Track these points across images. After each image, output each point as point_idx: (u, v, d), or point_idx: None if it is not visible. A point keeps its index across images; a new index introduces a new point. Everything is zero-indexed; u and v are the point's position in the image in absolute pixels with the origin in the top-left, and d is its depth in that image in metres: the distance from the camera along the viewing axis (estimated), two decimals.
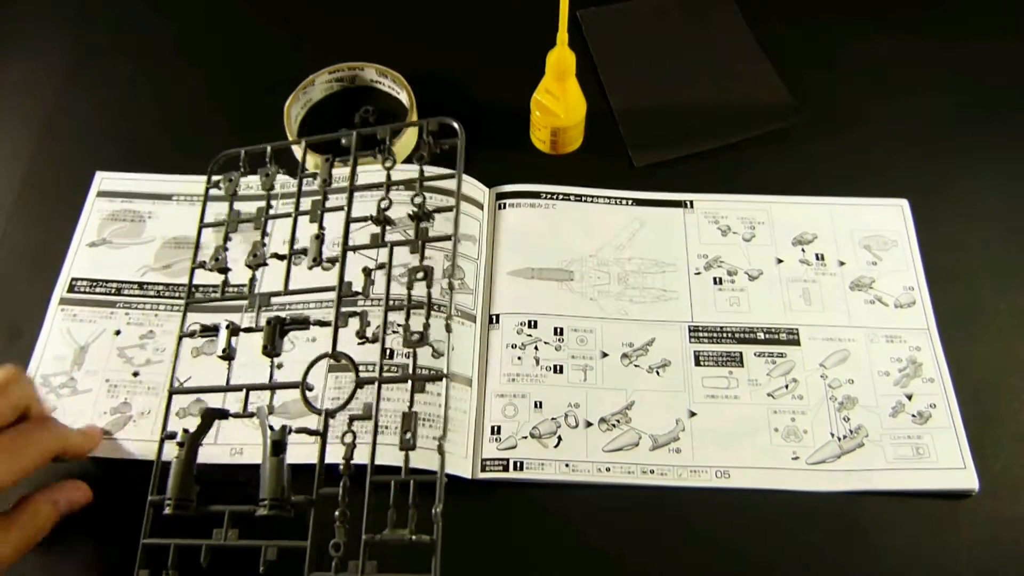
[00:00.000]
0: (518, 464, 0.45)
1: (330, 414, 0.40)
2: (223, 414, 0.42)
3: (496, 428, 0.46)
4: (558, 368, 0.48)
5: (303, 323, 0.43)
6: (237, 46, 0.63)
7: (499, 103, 0.58)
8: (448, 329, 0.41)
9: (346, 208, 0.44)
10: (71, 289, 0.51)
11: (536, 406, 0.46)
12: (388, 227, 0.44)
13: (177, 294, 0.50)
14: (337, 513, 0.37)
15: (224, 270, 0.46)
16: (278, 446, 0.39)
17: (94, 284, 0.51)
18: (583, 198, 0.54)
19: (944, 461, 0.45)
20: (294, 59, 0.59)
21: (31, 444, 0.39)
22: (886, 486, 0.44)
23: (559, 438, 0.45)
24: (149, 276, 0.51)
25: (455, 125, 0.44)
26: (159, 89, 0.60)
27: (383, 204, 0.43)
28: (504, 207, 0.53)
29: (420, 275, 0.41)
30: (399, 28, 0.63)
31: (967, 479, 0.44)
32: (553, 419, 0.46)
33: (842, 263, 0.51)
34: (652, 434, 0.46)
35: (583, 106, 0.53)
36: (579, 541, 0.43)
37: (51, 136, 0.58)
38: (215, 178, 0.49)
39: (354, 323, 0.41)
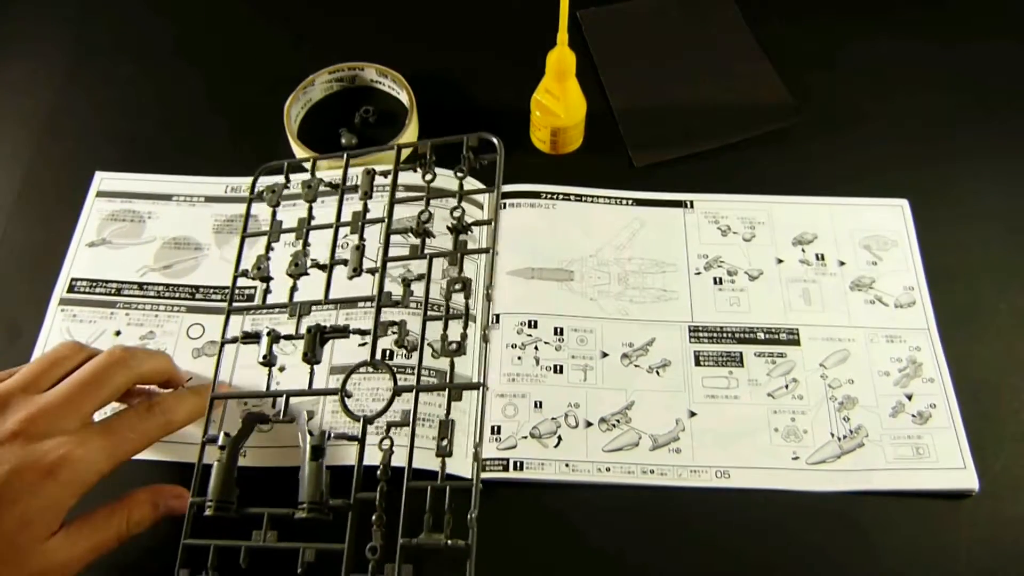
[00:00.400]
0: (518, 464, 0.45)
1: (368, 420, 0.40)
2: (263, 418, 0.43)
3: (496, 428, 0.46)
4: (558, 368, 0.48)
5: (343, 331, 0.43)
6: (237, 46, 0.63)
7: (499, 103, 0.58)
8: (485, 339, 0.41)
9: (386, 220, 0.45)
10: (71, 289, 0.51)
11: (536, 406, 0.46)
12: (427, 238, 0.44)
13: (177, 295, 0.50)
14: (374, 517, 0.38)
15: (266, 279, 0.45)
16: (317, 451, 0.40)
17: (94, 284, 0.51)
18: (583, 198, 0.54)
19: (944, 461, 0.45)
20: (294, 59, 0.59)
21: (132, 430, 0.39)
22: (886, 486, 0.44)
23: (559, 438, 0.45)
24: (149, 276, 0.51)
25: (494, 140, 0.45)
26: (159, 89, 0.60)
27: (423, 216, 0.43)
28: (504, 207, 0.53)
29: (458, 286, 0.42)
30: (399, 28, 0.63)
31: (967, 479, 0.44)
32: (553, 419, 0.46)
33: (842, 263, 0.51)
34: (652, 434, 0.46)
35: (583, 106, 0.53)
36: (579, 541, 0.43)
37: (51, 136, 0.58)
38: (260, 186, 0.49)
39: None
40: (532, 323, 0.49)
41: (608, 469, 0.45)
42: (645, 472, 0.44)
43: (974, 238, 0.52)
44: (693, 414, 0.46)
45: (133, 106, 0.59)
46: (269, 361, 0.43)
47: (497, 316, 0.49)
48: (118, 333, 0.49)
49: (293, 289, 0.45)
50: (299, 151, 0.55)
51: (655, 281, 0.51)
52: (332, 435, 0.41)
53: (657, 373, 0.48)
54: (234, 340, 0.45)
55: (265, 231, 0.47)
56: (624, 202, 0.54)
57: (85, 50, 0.62)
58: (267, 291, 0.46)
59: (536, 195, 0.53)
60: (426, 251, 0.44)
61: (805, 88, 0.59)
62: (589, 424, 0.46)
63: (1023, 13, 0.63)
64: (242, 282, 0.51)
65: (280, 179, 0.48)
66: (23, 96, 0.60)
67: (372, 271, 0.44)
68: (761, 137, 0.56)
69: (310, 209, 0.47)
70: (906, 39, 0.61)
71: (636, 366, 0.48)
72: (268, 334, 0.43)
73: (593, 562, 0.43)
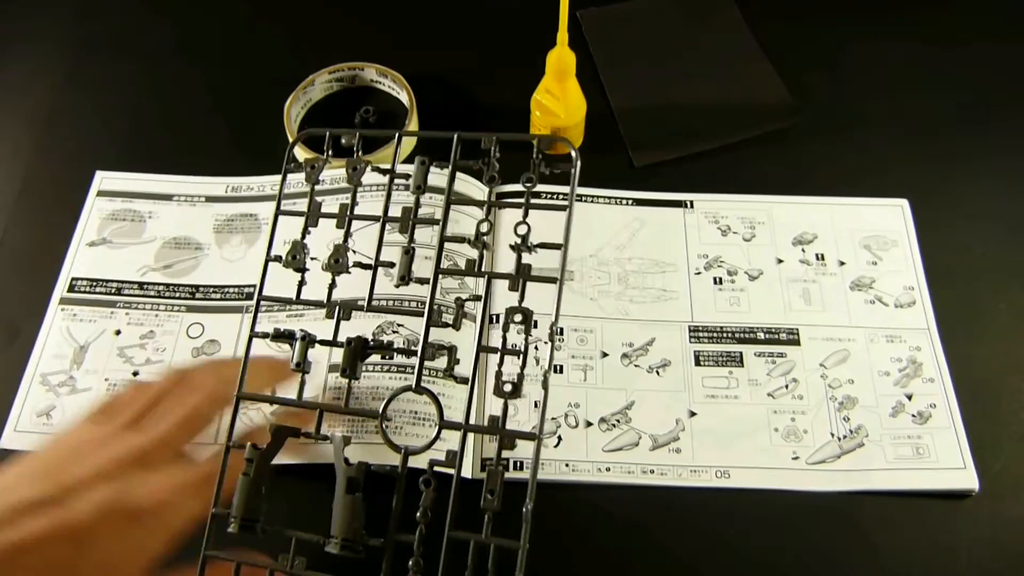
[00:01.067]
0: (518, 464, 0.45)
1: (412, 452, 0.37)
2: (295, 432, 0.39)
3: None
4: (558, 368, 0.48)
5: (386, 349, 0.40)
6: (237, 46, 0.63)
7: (499, 103, 0.58)
8: (545, 386, 0.36)
9: (441, 225, 0.40)
10: (71, 289, 0.51)
11: (536, 406, 0.46)
12: (484, 250, 0.39)
13: (178, 294, 0.50)
14: (411, 563, 0.35)
15: (301, 269, 0.41)
16: (353, 484, 0.36)
17: (94, 284, 0.51)
18: (583, 198, 0.54)
19: (944, 461, 0.45)
20: (294, 59, 0.59)
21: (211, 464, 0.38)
22: (886, 486, 0.44)
23: (559, 438, 0.45)
24: (149, 276, 0.51)
25: (572, 152, 0.40)
26: (159, 89, 0.60)
27: (483, 228, 0.38)
28: (503, 207, 0.53)
29: (518, 317, 0.37)
30: (399, 28, 0.63)
31: (967, 479, 0.44)
32: (553, 419, 0.46)
33: (842, 263, 0.51)
34: (652, 434, 0.46)
35: (583, 106, 0.53)
36: (579, 541, 0.43)
37: (51, 136, 0.58)
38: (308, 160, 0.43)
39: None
40: (532, 323, 0.49)
41: (608, 469, 0.45)
42: (645, 472, 0.44)
43: (974, 238, 0.52)
44: (693, 414, 0.46)
45: (133, 106, 0.59)
46: (303, 368, 0.40)
47: (497, 316, 0.49)
48: (118, 333, 0.49)
49: (331, 286, 0.40)
50: (299, 151, 0.55)
51: (655, 281, 0.51)
52: (372, 467, 0.37)
53: (657, 373, 0.48)
54: (264, 335, 0.41)
55: (302, 211, 0.41)
56: (624, 202, 0.54)
57: (85, 50, 0.62)
58: (302, 282, 0.41)
59: (536, 195, 0.53)
60: (484, 268, 0.39)
61: (805, 88, 0.59)
62: (589, 424, 0.46)
63: (1023, 13, 0.63)
64: (237, 280, 0.51)
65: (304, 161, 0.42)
66: (23, 96, 0.60)
67: (422, 281, 0.39)
68: (761, 137, 0.56)
69: (354, 194, 0.41)
70: (906, 39, 0.61)
71: (636, 366, 0.48)
72: (303, 338, 0.40)
73: (593, 562, 0.43)
